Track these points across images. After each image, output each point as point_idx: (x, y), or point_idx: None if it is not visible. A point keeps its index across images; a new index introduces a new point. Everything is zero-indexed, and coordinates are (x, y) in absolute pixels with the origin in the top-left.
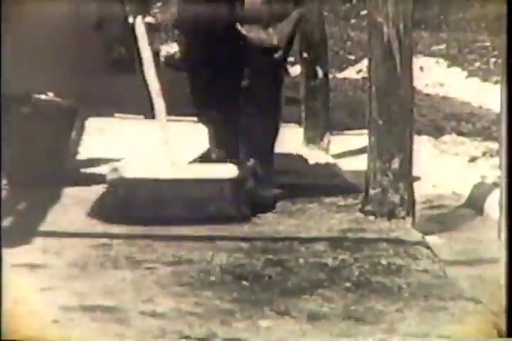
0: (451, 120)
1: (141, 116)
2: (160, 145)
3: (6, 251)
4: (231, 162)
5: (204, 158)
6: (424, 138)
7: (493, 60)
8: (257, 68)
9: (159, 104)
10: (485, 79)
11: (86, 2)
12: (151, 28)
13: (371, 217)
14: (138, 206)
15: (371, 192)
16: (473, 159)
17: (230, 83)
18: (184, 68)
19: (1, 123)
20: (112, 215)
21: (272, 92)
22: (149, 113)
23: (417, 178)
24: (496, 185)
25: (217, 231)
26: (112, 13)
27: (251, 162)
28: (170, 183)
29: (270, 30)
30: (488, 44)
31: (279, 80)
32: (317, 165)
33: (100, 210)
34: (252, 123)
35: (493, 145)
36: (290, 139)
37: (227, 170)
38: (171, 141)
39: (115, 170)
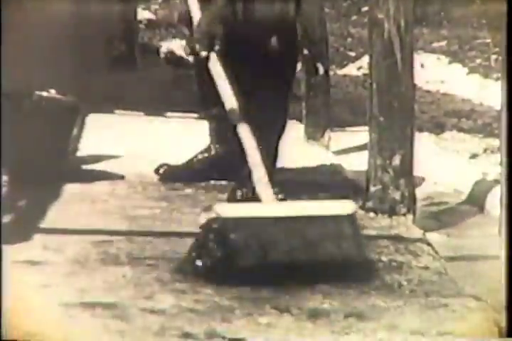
0: (452, 117)
1: (141, 113)
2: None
3: (6, 248)
4: (232, 159)
5: (204, 154)
6: (425, 134)
7: (493, 56)
8: (267, 66)
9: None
10: (486, 76)
11: (87, 1)
12: (151, 25)
13: (372, 214)
14: (244, 252)
15: (372, 188)
16: (474, 156)
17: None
18: (190, 64)
19: (1, 120)
20: (213, 271)
21: (281, 90)
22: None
23: (422, 179)
24: (496, 181)
25: None
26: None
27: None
28: (279, 222)
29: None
30: (488, 41)
31: (289, 78)
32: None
33: (195, 266)
34: (258, 120)
35: (494, 142)
36: (291, 136)
37: (343, 206)
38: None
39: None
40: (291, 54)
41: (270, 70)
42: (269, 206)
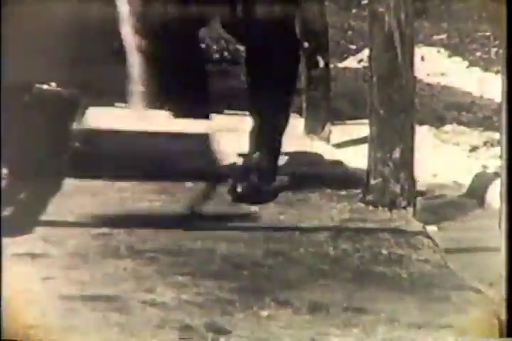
0: (452, 110)
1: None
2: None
3: (6, 241)
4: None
5: None
6: (425, 127)
7: (494, 49)
8: (270, 62)
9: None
10: (486, 69)
11: None
12: None
13: (372, 207)
14: (108, 159)
15: (372, 182)
16: (474, 149)
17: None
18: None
19: (1, 113)
20: (78, 169)
21: (284, 85)
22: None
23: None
24: (497, 174)
25: (217, 222)
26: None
27: (256, 154)
28: (143, 136)
29: None
30: (489, 34)
31: (291, 73)
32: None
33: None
34: (262, 115)
35: (494, 135)
36: (291, 129)
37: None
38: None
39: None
40: (293, 48)
41: (273, 66)
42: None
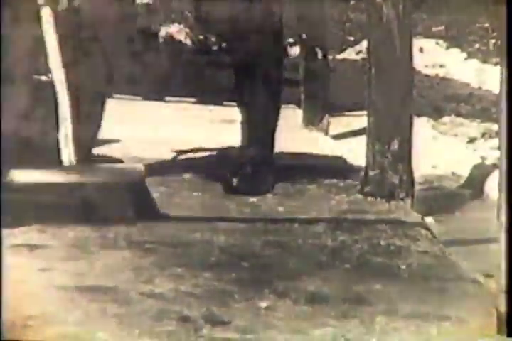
0: (450, 101)
1: (139, 97)
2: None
3: (5, 232)
4: None
5: None
6: (424, 119)
7: (492, 41)
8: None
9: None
10: (484, 61)
11: None
12: (149, 8)
13: (370, 198)
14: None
15: (371, 173)
16: (472, 140)
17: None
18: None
19: (1, 103)
20: None
21: (271, 75)
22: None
23: None
24: (495, 165)
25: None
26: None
27: (249, 147)
28: (63, 187)
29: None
30: (487, 25)
31: (279, 65)
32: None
33: None
34: (253, 108)
35: (492, 127)
36: (289, 121)
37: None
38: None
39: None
40: (277, 43)
41: (257, 63)
42: (58, 173)
